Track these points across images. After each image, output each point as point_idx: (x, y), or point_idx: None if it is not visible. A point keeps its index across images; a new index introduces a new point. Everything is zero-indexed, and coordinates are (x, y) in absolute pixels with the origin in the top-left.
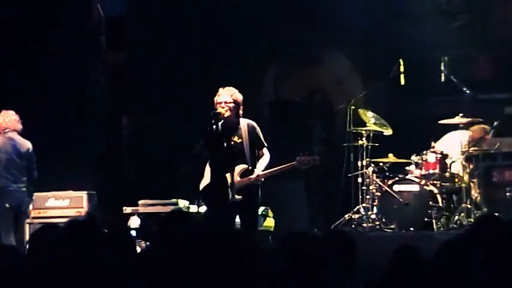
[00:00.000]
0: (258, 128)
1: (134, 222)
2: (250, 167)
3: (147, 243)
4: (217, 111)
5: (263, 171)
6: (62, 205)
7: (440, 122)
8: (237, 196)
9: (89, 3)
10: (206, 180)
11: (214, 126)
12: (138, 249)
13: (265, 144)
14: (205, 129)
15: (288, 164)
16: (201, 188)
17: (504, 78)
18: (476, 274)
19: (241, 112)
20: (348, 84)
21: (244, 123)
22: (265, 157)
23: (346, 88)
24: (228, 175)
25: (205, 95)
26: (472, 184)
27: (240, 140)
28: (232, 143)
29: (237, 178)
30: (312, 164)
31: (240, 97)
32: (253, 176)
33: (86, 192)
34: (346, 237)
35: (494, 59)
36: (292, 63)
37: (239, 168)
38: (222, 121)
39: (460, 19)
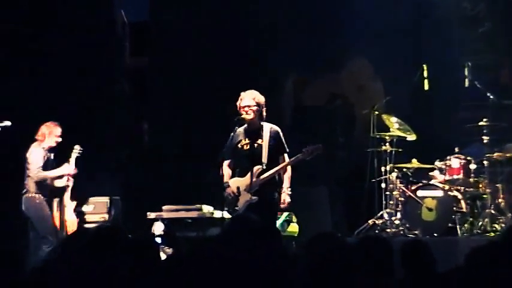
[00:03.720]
0: (281, 134)
1: (158, 228)
2: (265, 167)
3: (172, 249)
4: (242, 116)
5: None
6: (86, 211)
7: (465, 126)
8: (252, 197)
9: (112, 9)
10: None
11: (237, 132)
12: (163, 256)
13: (287, 150)
14: (230, 135)
15: (294, 158)
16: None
17: None
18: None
19: (264, 114)
20: (370, 89)
21: (267, 127)
22: (288, 172)
23: (368, 94)
24: (247, 177)
25: (226, 100)
26: (496, 189)
27: (261, 143)
28: (255, 145)
29: (254, 179)
30: (315, 153)
31: (262, 99)
32: (264, 175)
33: (109, 197)
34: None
35: None
36: (313, 68)
37: (256, 169)
38: (246, 125)
39: (484, 25)
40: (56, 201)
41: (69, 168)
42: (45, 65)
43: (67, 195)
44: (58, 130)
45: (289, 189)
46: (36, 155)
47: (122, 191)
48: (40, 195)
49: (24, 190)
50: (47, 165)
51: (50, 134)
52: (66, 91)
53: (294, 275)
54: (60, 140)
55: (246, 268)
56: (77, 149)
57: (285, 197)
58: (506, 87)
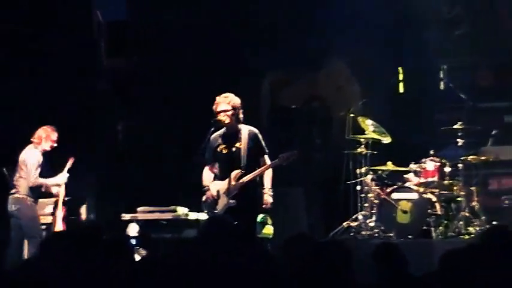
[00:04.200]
0: (259, 136)
1: (133, 229)
2: (244, 171)
3: (146, 250)
4: (218, 119)
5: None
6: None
7: (440, 129)
8: (231, 201)
9: (89, 9)
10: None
11: (213, 135)
12: (137, 257)
13: (266, 151)
14: (206, 137)
15: (271, 163)
16: (203, 199)
17: (504, 87)
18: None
19: (241, 116)
20: (347, 91)
21: (245, 129)
22: (269, 172)
23: (346, 96)
24: (225, 181)
25: (205, 101)
26: (470, 192)
27: (240, 146)
28: (234, 149)
29: (232, 183)
30: (291, 159)
31: (237, 102)
32: (243, 179)
33: (86, 198)
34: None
35: (494, 68)
36: (291, 69)
37: (234, 173)
38: (224, 128)
39: (461, 28)
40: (50, 206)
41: (63, 178)
42: (37, 65)
43: (59, 202)
44: (55, 135)
45: (271, 190)
46: (33, 159)
47: (97, 191)
48: (30, 197)
49: (14, 190)
50: (41, 169)
51: (46, 137)
52: (42, 93)
53: (272, 276)
54: (55, 145)
55: (223, 270)
56: (71, 161)
57: (267, 198)
58: (483, 89)
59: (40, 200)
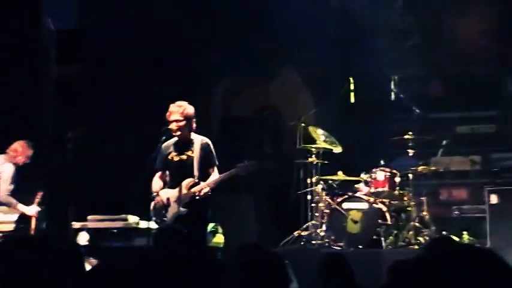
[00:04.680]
0: (211, 146)
1: (83, 238)
2: (197, 180)
3: (96, 259)
4: (170, 127)
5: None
6: (11, 220)
7: (391, 139)
8: (181, 209)
9: (38, 16)
10: (158, 195)
11: (165, 143)
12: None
13: (216, 163)
14: (157, 145)
15: (228, 172)
16: (152, 205)
17: (455, 98)
18: None
19: (194, 125)
20: (299, 101)
21: (198, 139)
22: (215, 175)
23: (297, 105)
24: (176, 189)
25: (156, 109)
26: (420, 202)
27: (192, 155)
28: (185, 157)
29: (184, 191)
30: (250, 170)
31: (191, 111)
32: (196, 188)
33: (34, 207)
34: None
35: (445, 79)
36: (243, 78)
37: (187, 182)
38: (175, 137)
39: (413, 38)
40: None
41: (34, 210)
42: None
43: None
44: (30, 151)
45: (211, 186)
46: (7, 173)
47: (46, 200)
48: None
49: None
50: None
51: (22, 152)
52: None
53: (223, 285)
54: (28, 161)
55: (175, 278)
56: (40, 194)
57: (204, 188)
58: (433, 100)
59: (1, 207)
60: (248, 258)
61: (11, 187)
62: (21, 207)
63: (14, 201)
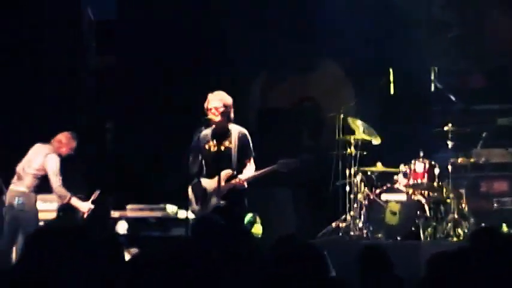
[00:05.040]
0: (249, 137)
1: (122, 227)
2: (235, 172)
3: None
4: (208, 117)
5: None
6: (50, 208)
7: (431, 130)
8: (221, 201)
9: (78, 7)
10: (194, 185)
11: (203, 132)
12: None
13: (253, 154)
14: (195, 135)
15: (270, 167)
16: (189, 194)
17: (496, 90)
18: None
19: (232, 115)
20: (338, 93)
21: (236, 129)
22: (251, 167)
23: (337, 97)
24: (214, 180)
25: (194, 99)
26: (459, 195)
27: (230, 145)
28: (223, 148)
29: (222, 183)
30: (292, 167)
31: (229, 100)
32: (236, 180)
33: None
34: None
35: (487, 71)
36: (283, 70)
37: (225, 173)
38: (213, 126)
39: (454, 30)
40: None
41: (87, 206)
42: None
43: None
44: (74, 143)
45: (250, 180)
46: (55, 164)
47: (86, 190)
48: (34, 193)
49: (18, 183)
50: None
51: (66, 144)
52: (31, 90)
53: (262, 275)
54: (72, 153)
55: (214, 268)
56: (97, 193)
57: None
58: (474, 92)
59: (41, 196)
60: (287, 249)
61: (60, 178)
62: (75, 202)
63: (68, 194)
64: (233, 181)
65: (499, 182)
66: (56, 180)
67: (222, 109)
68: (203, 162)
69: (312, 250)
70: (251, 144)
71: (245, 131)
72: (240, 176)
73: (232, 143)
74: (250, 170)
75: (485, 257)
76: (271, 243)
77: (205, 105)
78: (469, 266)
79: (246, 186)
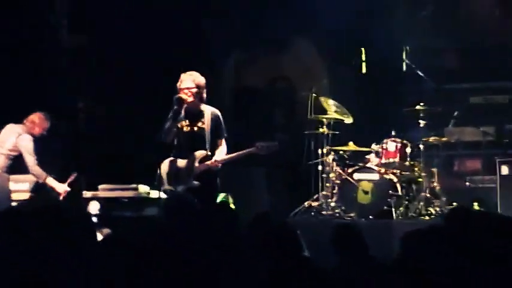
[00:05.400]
0: (221, 118)
1: (94, 207)
2: (209, 153)
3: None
4: (180, 95)
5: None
6: (22, 189)
7: (402, 110)
8: (194, 182)
9: None
10: (166, 165)
11: (176, 111)
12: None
13: (225, 135)
14: (168, 114)
15: (247, 150)
16: (161, 173)
17: (468, 69)
18: (445, 266)
19: (204, 96)
20: (312, 72)
21: (208, 110)
22: (222, 147)
23: (310, 76)
24: (187, 160)
25: (167, 79)
26: (431, 173)
27: (203, 126)
28: (196, 128)
29: (195, 164)
30: (271, 150)
31: (202, 81)
32: (211, 161)
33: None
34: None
35: (459, 50)
36: (255, 49)
37: (199, 153)
38: (186, 106)
39: (428, 7)
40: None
41: (63, 188)
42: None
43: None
44: (47, 123)
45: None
46: (29, 144)
47: (58, 169)
48: (6, 173)
49: None
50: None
51: (39, 124)
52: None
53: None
54: (44, 133)
55: (189, 247)
56: (73, 176)
57: (216, 157)
58: (446, 71)
59: (14, 176)
60: (262, 228)
61: (36, 157)
62: (51, 182)
63: (44, 173)
64: (208, 162)
65: (472, 161)
66: (31, 160)
67: (194, 90)
68: (175, 141)
69: (286, 228)
70: (223, 125)
71: (218, 112)
72: (215, 158)
73: (206, 123)
74: (222, 151)
75: (458, 234)
76: (248, 221)
77: (178, 84)
78: (441, 243)
79: (219, 167)
